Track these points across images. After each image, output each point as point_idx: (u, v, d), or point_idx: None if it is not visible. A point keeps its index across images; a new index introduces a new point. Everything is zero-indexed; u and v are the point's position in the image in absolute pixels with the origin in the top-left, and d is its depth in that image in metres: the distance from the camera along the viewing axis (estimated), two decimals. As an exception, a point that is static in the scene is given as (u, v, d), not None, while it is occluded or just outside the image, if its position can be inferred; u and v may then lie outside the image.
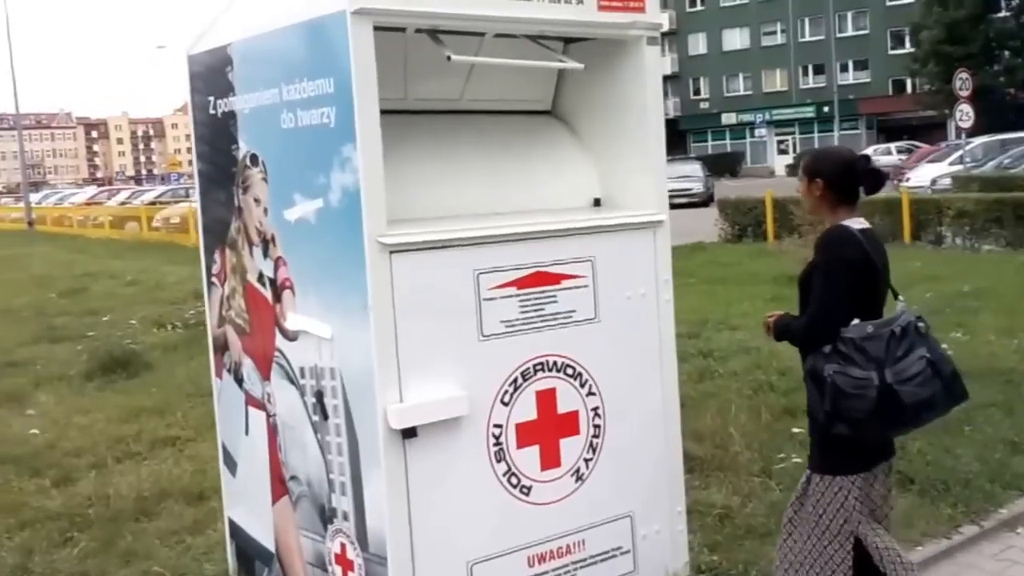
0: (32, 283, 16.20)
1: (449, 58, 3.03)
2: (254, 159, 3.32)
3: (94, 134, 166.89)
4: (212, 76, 3.49)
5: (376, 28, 2.86)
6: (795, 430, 5.39)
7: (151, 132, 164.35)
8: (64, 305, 13.22)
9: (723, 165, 51.98)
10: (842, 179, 3.19)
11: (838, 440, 3.06)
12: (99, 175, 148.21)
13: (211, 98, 3.52)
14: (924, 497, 4.70)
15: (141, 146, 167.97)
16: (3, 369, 8.93)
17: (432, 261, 2.96)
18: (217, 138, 3.50)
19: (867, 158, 3.31)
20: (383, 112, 2.92)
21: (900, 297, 3.18)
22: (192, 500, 4.98)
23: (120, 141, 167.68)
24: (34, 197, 47.67)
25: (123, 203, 40.10)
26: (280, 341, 3.29)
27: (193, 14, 3.66)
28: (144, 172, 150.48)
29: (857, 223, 3.15)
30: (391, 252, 2.87)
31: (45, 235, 33.66)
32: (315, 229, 3.05)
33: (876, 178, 3.24)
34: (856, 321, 3.02)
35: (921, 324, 3.11)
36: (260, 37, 3.21)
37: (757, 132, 59.15)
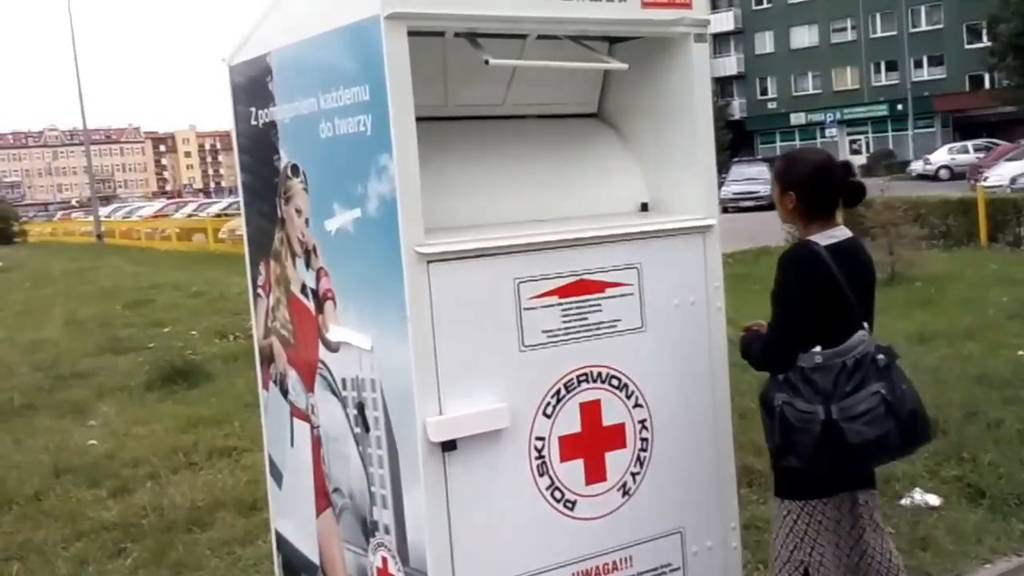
0: (99, 295, 16.61)
1: (487, 62, 2.96)
2: (295, 169, 3.29)
3: (162, 148, 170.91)
4: (253, 86, 3.48)
5: (413, 33, 2.81)
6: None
7: (218, 145, 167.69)
8: (129, 317, 13.51)
9: (793, 166, 51.07)
10: (816, 191, 2.99)
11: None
12: (168, 188, 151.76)
13: (252, 108, 3.50)
14: (995, 512, 4.52)
15: (209, 159, 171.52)
16: (68, 380, 9.14)
17: (471, 270, 2.89)
18: (259, 149, 3.49)
19: (848, 167, 3.07)
20: (423, 119, 2.86)
21: (865, 325, 2.92)
22: (244, 510, 5.01)
23: (188, 154, 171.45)
24: (104, 211, 48.92)
25: (190, 215, 40.91)
26: (323, 352, 3.25)
27: (238, 24, 3.66)
28: (212, 184, 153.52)
29: (829, 237, 2.95)
30: (428, 262, 2.81)
31: (113, 248, 34.52)
32: (354, 239, 3.01)
33: (854, 191, 3.02)
34: (818, 348, 2.84)
35: (881, 357, 2.86)
36: (297, 45, 3.19)
37: (828, 132, 58.04)
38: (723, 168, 36.25)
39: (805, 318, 2.88)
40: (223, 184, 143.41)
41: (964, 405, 6.02)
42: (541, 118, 3.62)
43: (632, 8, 3.16)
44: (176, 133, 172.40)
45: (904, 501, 4.71)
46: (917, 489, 4.80)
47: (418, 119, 2.82)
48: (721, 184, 32.59)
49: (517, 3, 2.94)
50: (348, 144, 2.96)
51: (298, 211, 3.30)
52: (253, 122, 3.50)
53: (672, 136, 3.45)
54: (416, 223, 2.80)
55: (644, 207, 3.54)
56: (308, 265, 3.28)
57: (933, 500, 4.72)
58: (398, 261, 2.80)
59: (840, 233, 3.00)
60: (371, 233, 2.92)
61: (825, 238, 2.96)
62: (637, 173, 3.58)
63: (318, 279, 3.23)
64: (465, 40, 3.06)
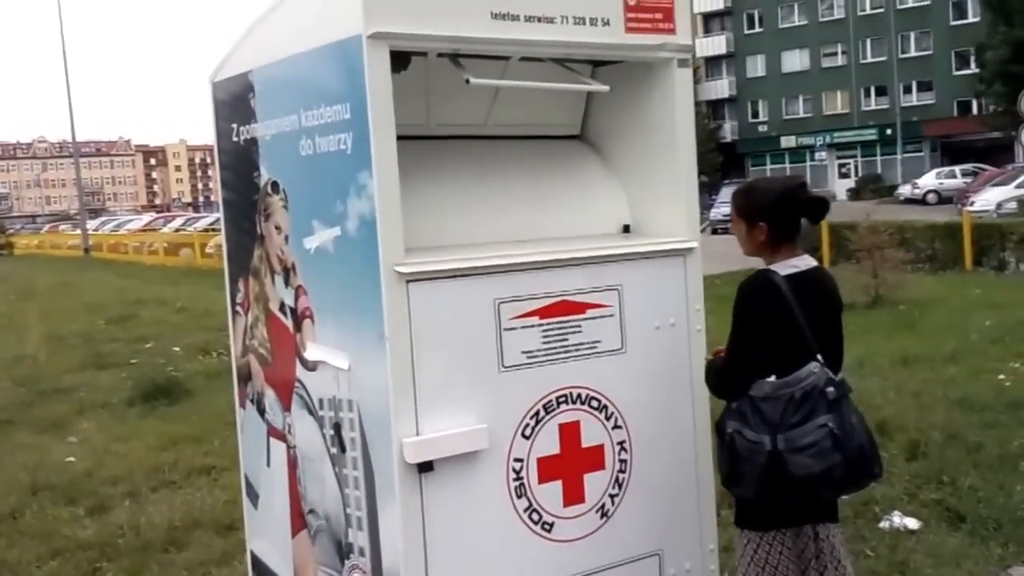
0: (83, 310, 16.51)
1: (468, 81, 2.96)
2: (275, 186, 3.28)
3: (152, 161, 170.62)
4: (235, 103, 3.47)
5: (396, 52, 2.81)
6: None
7: (208, 159, 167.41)
8: (113, 332, 13.42)
9: (782, 189, 51.45)
10: (784, 216, 2.98)
11: None
12: (157, 201, 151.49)
13: (234, 125, 3.50)
14: (974, 536, 4.51)
15: (199, 173, 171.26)
16: (49, 396, 9.06)
17: (451, 290, 2.88)
18: (240, 165, 3.48)
19: (804, 185, 3.08)
20: (405, 138, 2.86)
21: (819, 357, 2.89)
22: (221, 531, 4.96)
23: (178, 168, 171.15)
24: (92, 224, 48.74)
25: (178, 230, 40.82)
26: (300, 371, 3.23)
27: (226, 41, 3.66)
28: (201, 199, 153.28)
29: (791, 266, 2.94)
30: (408, 281, 2.79)
31: (101, 261, 34.34)
32: (333, 258, 3.00)
33: (818, 206, 3.01)
34: (772, 378, 2.83)
35: (831, 390, 2.81)
36: (280, 63, 3.18)
37: (817, 155, 58.56)
38: (714, 189, 36.28)
39: (754, 347, 2.88)
40: (212, 198, 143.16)
41: (945, 428, 6.04)
42: (523, 138, 3.62)
43: (616, 33, 3.17)
44: (167, 147, 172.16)
45: (883, 524, 4.71)
46: (896, 512, 4.80)
47: (399, 138, 2.82)
48: (711, 205, 32.64)
49: (501, 25, 2.94)
50: (328, 162, 2.95)
51: (277, 228, 3.29)
52: (235, 139, 3.49)
53: (654, 159, 3.46)
54: (396, 242, 2.79)
55: (626, 229, 3.54)
56: (287, 283, 3.26)
57: (912, 524, 4.72)
58: (377, 280, 2.78)
59: (802, 263, 2.99)
60: (350, 252, 2.91)
61: (786, 267, 2.95)
62: (619, 195, 3.58)
63: (296, 297, 3.21)
64: (447, 60, 3.06)
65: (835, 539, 3.05)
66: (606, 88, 3.34)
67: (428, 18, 2.81)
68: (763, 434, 2.77)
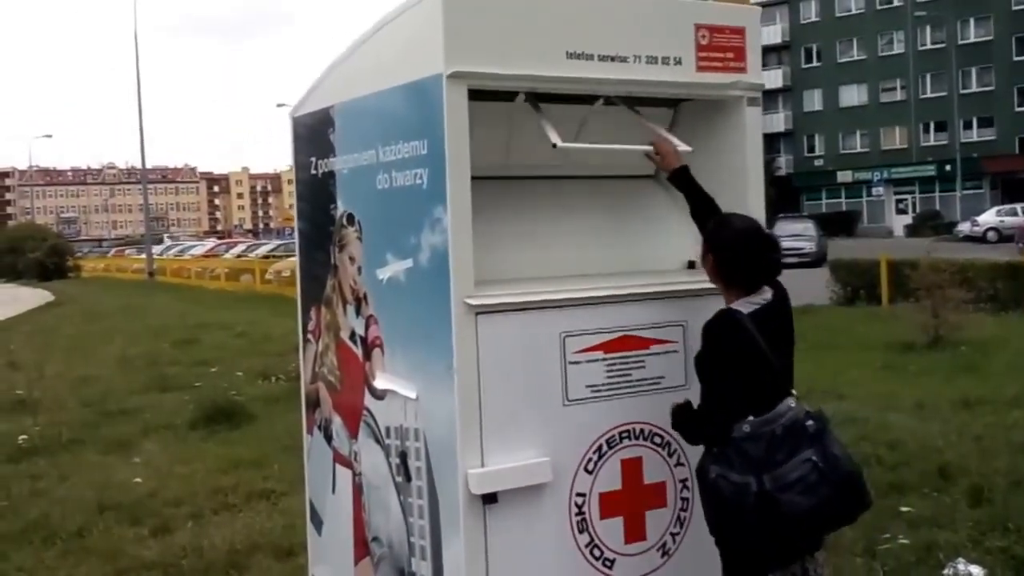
0: (148, 333, 16.81)
1: (555, 146, 3.03)
2: (350, 218, 3.37)
3: (216, 188, 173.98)
4: (314, 137, 3.58)
5: (482, 96, 2.88)
6: (903, 508, 5.15)
7: (269, 187, 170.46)
8: (176, 355, 13.66)
9: (838, 224, 51.03)
10: (734, 259, 2.91)
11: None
12: (219, 227, 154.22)
13: (313, 158, 3.60)
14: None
15: (259, 200, 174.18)
16: (115, 416, 9.25)
17: (518, 323, 2.93)
18: (317, 197, 3.58)
19: (772, 243, 2.99)
20: (484, 178, 2.92)
21: (793, 392, 2.85)
22: (281, 555, 5.02)
23: (240, 196, 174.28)
24: (156, 248, 49.78)
25: (239, 256, 41.56)
26: (368, 400, 3.30)
27: (307, 73, 3.80)
28: (261, 225, 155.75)
29: (750, 303, 2.87)
30: (477, 313, 2.85)
31: (164, 285, 35.04)
32: (405, 289, 3.07)
33: (771, 269, 2.94)
34: (751, 418, 2.76)
35: (811, 423, 2.77)
36: (361, 99, 3.28)
37: (874, 191, 57.88)
38: (768, 224, 35.91)
39: (733, 388, 2.83)
40: (271, 225, 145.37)
41: (1009, 474, 5.91)
42: (592, 177, 3.66)
43: (687, 71, 3.21)
44: (230, 174, 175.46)
45: (947, 571, 4.62)
46: (961, 559, 4.70)
47: (478, 178, 2.88)
48: (763, 240, 32.31)
49: (576, 65, 3.01)
50: (404, 196, 3.04)
51: (351, 259, 3.37)
52: (312, 171, 3.60)
53: (722, 195, 3.45)
54: (467, 275, 2.85)
55: (691, 265, 3.56)
56: (358, 312, 3.34)
57: (977, 571, 4.62)
58: (447, 312, 2.85)
59: (762, 299, 2.93)
60: (422, 283, 2.98)
61: (746, 304, 2.90)
62: (684, 231, 3.59)
63: (367, 327, 3.29)
64: (529, 106, 3.12)
65: (822, 570, 2.93)
66: (690, 148, 3.32)
67: (506, 57, 2.89)
68: (748, 475, 2.71)
